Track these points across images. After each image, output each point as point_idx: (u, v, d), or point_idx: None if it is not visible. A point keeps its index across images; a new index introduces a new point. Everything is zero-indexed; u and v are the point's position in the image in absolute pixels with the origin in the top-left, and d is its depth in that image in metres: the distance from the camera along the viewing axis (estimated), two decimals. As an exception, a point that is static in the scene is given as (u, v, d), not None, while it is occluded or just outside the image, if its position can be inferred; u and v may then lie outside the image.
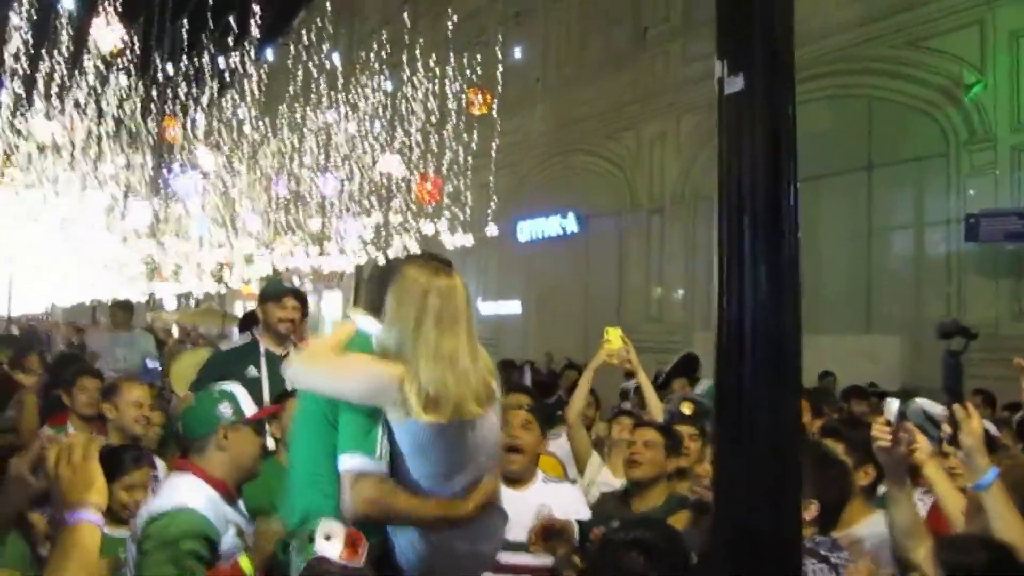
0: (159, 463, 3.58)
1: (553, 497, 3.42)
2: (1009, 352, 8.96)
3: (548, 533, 2.78)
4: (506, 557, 3.03)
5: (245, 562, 2.35)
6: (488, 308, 17.08)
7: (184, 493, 2.48)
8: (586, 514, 3.45)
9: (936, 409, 2.50)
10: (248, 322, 5.37)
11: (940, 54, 9.24)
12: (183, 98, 13.47)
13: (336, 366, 2.27)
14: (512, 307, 16.68)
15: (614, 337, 4.17)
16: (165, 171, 16.28)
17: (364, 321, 2.35)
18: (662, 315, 13.16)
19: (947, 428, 2.36)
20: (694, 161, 12.60)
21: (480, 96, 12.27)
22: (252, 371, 4.26)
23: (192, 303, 26.80)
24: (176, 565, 2.30)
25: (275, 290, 4.62)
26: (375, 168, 14.18)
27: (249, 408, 2.76)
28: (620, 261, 13.85)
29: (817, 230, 10.61)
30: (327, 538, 2.03)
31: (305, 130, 14.90)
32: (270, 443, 3.23)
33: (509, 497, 2.62)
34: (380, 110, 13.94)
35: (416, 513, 2.23)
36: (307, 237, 15.54)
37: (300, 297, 4.57)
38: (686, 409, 4.05)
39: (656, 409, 4.21)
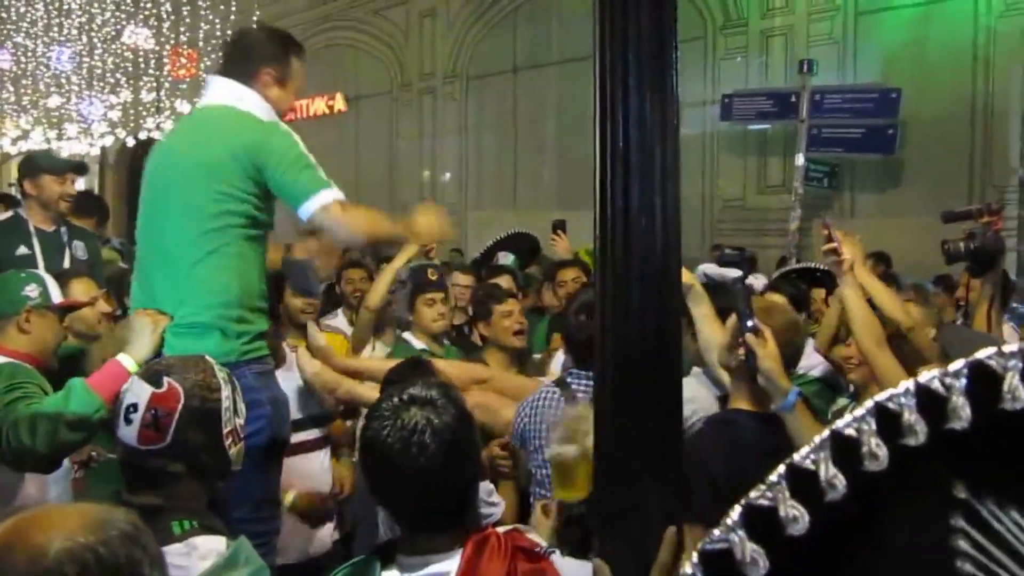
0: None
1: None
2: (755, 223, 9.88)
3: None
4: (294, 437, 3.04)
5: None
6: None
7: None
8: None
9: (717, 271, 2.74)
10: None
11: (699, -61, 9.61)
12: None
13: None
14: (279, 191, 16.03)
15: None
16: None
17: None
18: (435, 196, 13.18)
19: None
20: (465, 39, 12.47)
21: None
22: (22, 249, 3.90)
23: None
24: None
25: (54, 163, 4.17)
26: (119, 40, 12.89)
27: (56, 296, 2.60)
28: (391, 142, 13.63)
29: (583, 110, 10.91)
30: None
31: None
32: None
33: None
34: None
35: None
36: (43, 118, 13.98)
37: (82, 172, 4.18)
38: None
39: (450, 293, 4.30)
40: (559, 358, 3.62)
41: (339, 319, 4.79)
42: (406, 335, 3.99)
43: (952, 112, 8.11)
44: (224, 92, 2.66)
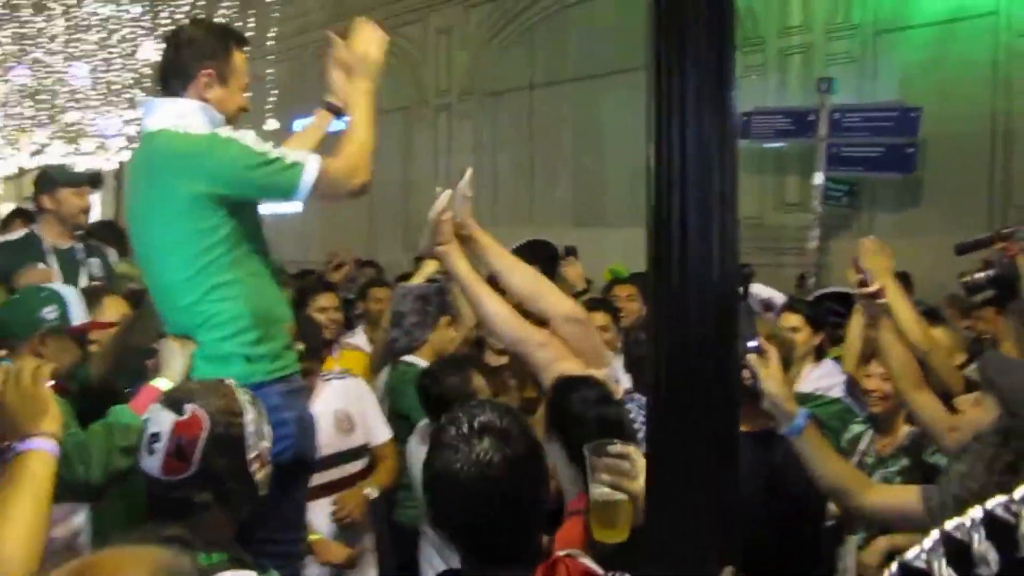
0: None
1: (337, 393, 3.42)
2: (772, 241, 9.84)
3: None
4: (318, 478, 2.97)
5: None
6: (265, 208, 16.30)
7: None
8: (375, 400, 3.48)
9: (765, 293, 2.68)
10: None
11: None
12: None
13: None
14: (292, 206, 16.00)
15: None
16: None
17: None
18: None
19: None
20: (482, 55, 12.48)
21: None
22: (39, 267, 3.85)
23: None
24: None
25: (70, 176, 4.13)
26: (135, 55, 12.94)
27: (78, 315, 2.52)
28: (406, 158, 13.62)
29: (600, 126, 10.90)
30: None
31: (50, 11, 13.25)
32: None
33: None
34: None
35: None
36: (60, 132, 14.04)
37: (97, 184, 4.16)
38: None
39: (468, 314, 4.23)
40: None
41: (358, 337, 4.78)
42: (409, 357, 3.92)
43: (972, 131, 8.04)
44: (162, 113, 2.48)
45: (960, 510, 1.52)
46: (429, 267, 4.10)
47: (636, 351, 2.64)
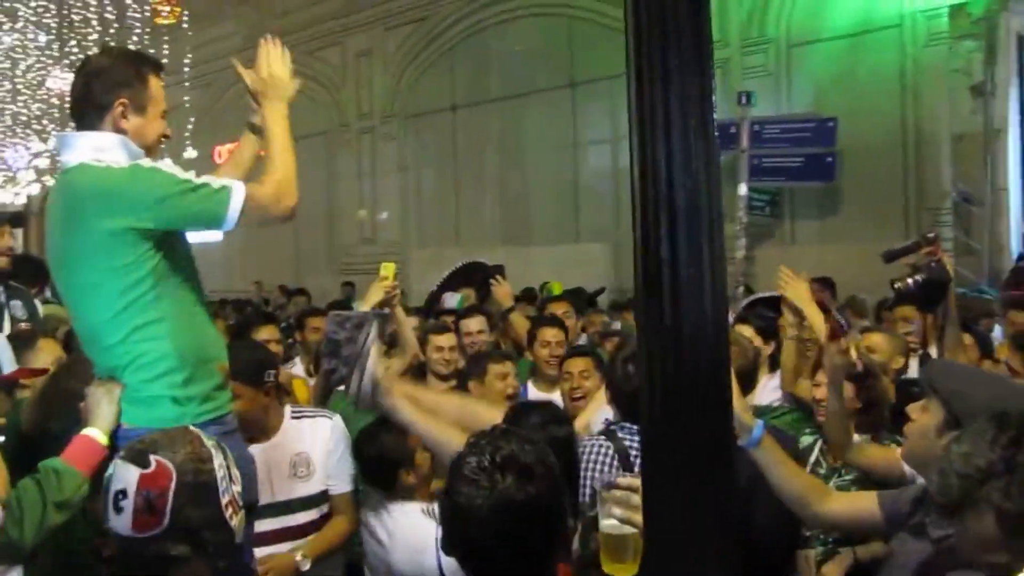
0: None
1: (301, 435, 3.16)
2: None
3: None
4: (266, 524, 2.82)
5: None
6: (188, 237, 15.94)
7: None
8: (346, 446, 3.27)
9: None
10: None
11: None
12: None
13: None
14: (213, 234, 15.70)
15: (391, 273, 3.99)
16: None
17: None
18: (376, 236, 13.07)
19: None
20: (402, 77, 12.44)
21: (166, 5, 11.22)
22: None
23: None
24: None
25: None
26: (44, 86, 12.54)
27: (7, 362, 2.38)
28: (329, 182, 13.48)
29: (524, 145, 10.97)
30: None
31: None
32: None
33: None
34: (45, 19, 12.24)
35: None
36: (-36, 166, 13.49)
37: (18, 224, 3.97)
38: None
39: (411, 341, 4.14)
40: (601, 410, 3.24)
41: (297, 367, 4.66)
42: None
43: (885, 139, 8.34)
44: (79, 148, 2.32)
45: (965, 489, 1.55)
46: (374, 295, 3.99)
47: (627, 386, 2.62)
